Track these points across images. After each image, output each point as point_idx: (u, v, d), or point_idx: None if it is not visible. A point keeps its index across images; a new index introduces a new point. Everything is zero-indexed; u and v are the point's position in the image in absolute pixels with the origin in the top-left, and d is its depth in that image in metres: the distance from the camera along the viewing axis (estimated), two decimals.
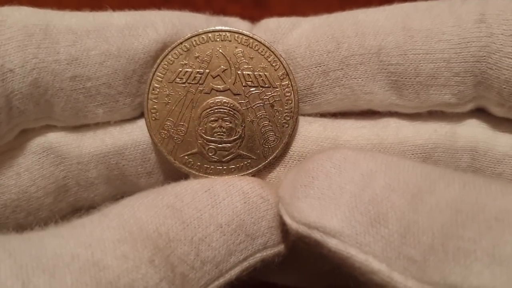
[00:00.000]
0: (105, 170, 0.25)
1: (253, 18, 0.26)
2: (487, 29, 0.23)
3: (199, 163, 0.24)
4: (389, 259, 0.18)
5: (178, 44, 0.23)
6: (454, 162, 0.25)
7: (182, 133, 0.24)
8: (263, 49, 0.24)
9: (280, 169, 0.25)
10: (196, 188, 0.22)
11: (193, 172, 0.24)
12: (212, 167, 0.24)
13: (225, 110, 0.24)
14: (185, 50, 0.24)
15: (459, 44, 0.23)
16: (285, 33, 0.24)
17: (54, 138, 0.24)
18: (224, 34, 0.24)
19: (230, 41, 0.24)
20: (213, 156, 0.24)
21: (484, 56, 0.23)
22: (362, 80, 0.24)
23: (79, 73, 0.23)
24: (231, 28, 0.24)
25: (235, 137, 0.24)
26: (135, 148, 0.25)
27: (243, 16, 0.26)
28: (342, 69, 0.24)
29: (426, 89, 0.24)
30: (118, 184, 0.25)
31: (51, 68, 0.22)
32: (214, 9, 0.27)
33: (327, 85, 0.24)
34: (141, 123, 0.25)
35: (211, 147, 0.24)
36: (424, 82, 0.24)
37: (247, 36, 0.24)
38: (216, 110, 0.24)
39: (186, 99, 0.24)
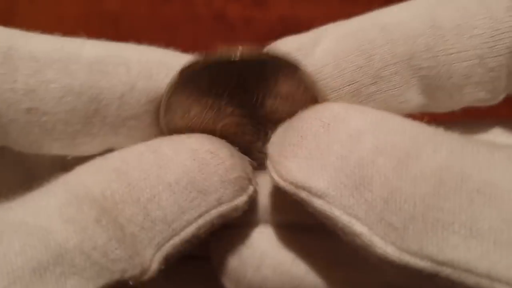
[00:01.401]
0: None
1: (253, 18, 0.25)
2: None
3: None
4: (371, 223, 0.19)
5: (201, 64, 0.21)
6: None
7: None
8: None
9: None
10: (143, 150, 0.21)
11: None
12: None
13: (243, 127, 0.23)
14: (207, 74, 0.22)
15: (492, 37, 0.21)
16: (308, 53, 0.22)
17: None
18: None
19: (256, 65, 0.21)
20: None
21: None
22: (397, 90, 0.22)
23: (35, 106, 0.21)
24: None
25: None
26: None
27: (243, 16, 0.24)
28: (375, 82, 0.22)
29: (460, 89, 0.22)
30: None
31: (5, 96, 0.20)
32: (214, 8, 0.25)
33: (360, 102, 0.22)
34: None
35: None
36: (457, 83, 0.22)
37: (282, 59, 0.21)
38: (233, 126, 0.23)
39: (204, 118, 0.23)
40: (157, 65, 0.22)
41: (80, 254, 0.18)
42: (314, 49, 0.22)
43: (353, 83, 0.22)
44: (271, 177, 0.21)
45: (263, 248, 0.24)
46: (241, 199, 0.23)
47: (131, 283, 0.19)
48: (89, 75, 0.21)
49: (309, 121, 0.21)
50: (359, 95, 0.22)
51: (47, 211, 0.18)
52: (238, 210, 0.23)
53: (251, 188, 0.23)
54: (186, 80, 0.21)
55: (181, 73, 0.21)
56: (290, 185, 0.20)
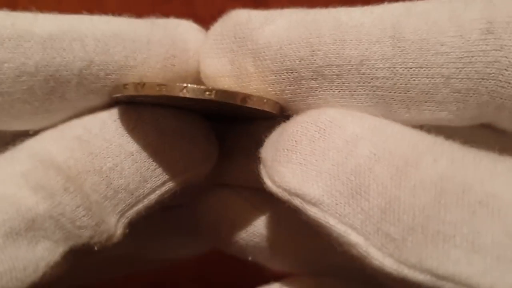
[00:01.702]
0: None
1: None
2: (495, 41, 0.19)
3: None
4: (367, 233, 0.18)
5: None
6: None
7: None
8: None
9: None
10: (105, 118, 0.21)
11: None
12: None
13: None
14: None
15: (461, 58, 0.19)
16: (255, 28, 0.21)
17: None
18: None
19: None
20: None
21: (493, 73, 0.19)
22: (340, 92, 0.20)
23: None
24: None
25: None
26: None
27: None
28: (316, 79, 0.20)
29: (419, 105, 0.20)
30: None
31: None
32: (214, 8, 0.24)
33: (300, 93, 0.21)
34: None
35: None
36: (416, 98, 0.20)
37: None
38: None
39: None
40: (113, 39, 0.21)
41: (50, 219, 0.19)
42: (263, 26, 0.21)
43: (293, 72, 0.21)
44: (264, 182, 0.20)
45: (236, 210, 0.25)
46: (206, 166, 0.23)
47: (96, 247, 0.20)
48: (44, 53, 0.20)
49: (304, 125, 0.20)
50: (299, 86, 0.21)
51: (14, 178, 0.19)
52: (203, 176, 0.23)
53: (214, 156, 0.24)
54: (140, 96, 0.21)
55: (136, 92, 0.20)
56: (283, 192, 0.19)
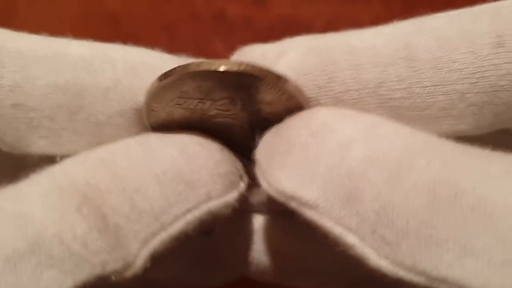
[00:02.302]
0: None
1: (253, 18, 0.24)
2: (507, 54, 0.19)
3: None
4: (363, 234, 0.18)
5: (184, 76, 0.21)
6: None
7: None
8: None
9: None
10: (131, 143, 0.21)
11: None
12: None
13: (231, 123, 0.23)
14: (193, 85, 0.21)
15: (474, 74, 0.19)
16: (271, 63, 0.21)
17: None
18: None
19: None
20: None
21: (506, 85, 0.19)
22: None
23: (22, 102, 0.21)
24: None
25: None
26: None
27: (243, 16, 0.24)
28: (336, 104, 0.21)
29: (437, 121, 0.21)
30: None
31: None
32: (214, 8, 0.25)
33: None
34: None
35: None
36: (434, 114, 0.21)
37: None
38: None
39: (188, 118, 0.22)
40: (142, 64, 0.22)
41: (59, 244, 0.17)
42: (277, 61, 0.22)
43: (313, 101, 0.21)
44: (260, 184, 0.21)
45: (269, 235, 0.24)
46: (232, 196, 0.22)
47: (113, 278, 0.18)
48: (75, 73, 0.21)
49: (296, 129, 0.20)
50: None
51: (28, 199, 0.18)
52: (228, 208, 0.22)
53: (242, 186, 0.23)
54: (167, 85, 0.21)
55: (161, 79, 0.21)
56: (279, 195, 0.20)
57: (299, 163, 0.19)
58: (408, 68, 0.20)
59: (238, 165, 0.23)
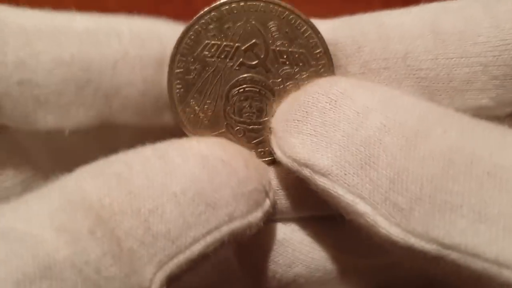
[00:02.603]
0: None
1: None
2: None
3: None
4: (375, 203, 0.18)
5: (207, 13, 0.21)
6: None
7: (210, 111, 0.22)
8: (300, 23, 0.21)
9: None
10: (148, 155, 0.19)
11: None
12: None
13: (255, 89, 0.22)
14: (215, 20, 0.21)
15: (497, 46, 0.21)
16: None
17: None
18: (258, 4, 0.21)
19: (264, 11, 0.21)
20: (241, 138, 0.23)
21: None
22: (387, 85, 0.22)
23: (27, 78, 0.20)
24: None
25: (265, 119, 0.22)
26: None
27: None
28: (363, 73, 0.22)
29: (461, 94, 0.22)
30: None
31: None
32: None
33: None
34: None
35: (239, 128, 0.22)
36: (458, 87, 0.21)
37: (284, 8, 0.21)
38: (246, 89, 0.22)
39: (213, 75, 0.22)
40: (148, 33, 0.22)
41: (71, 268, 0.16)
42: None
43: (340, 68, 0.22)
44: (274, 153, 0.21)
45: (294, 245, 0.23)
46: (256, 215, 0.20)
47: None
48: (80, 46, 0.21)
49: (315, 96, 0.20)
50: None
51: (39, 217, 0.17)
52: (252, 228, 0.20)
53: (267, 203, 0.21)
54: (194, 33, 0.21)
55: (192, 24, 0.21)
56: (293, 162, 0.20)
57: (316, 130, 0.19)
58: (435, 41, 0.21)
59: (265, 179, 0.22)
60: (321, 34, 0.21)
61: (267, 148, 0.23)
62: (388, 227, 0.18)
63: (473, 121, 0.18)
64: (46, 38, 0.21)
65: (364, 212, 0.18)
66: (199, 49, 0.22)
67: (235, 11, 0.21)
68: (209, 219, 0.19)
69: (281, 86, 0.22)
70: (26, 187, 0.23)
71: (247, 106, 0.22)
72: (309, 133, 0.20)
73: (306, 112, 0.20)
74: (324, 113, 0.20)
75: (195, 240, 0.19)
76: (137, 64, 0.22)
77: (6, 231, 0.16)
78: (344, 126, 0.19)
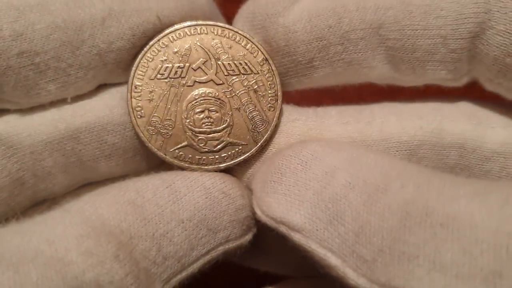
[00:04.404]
0: (61, 157, 0.24)
1: None
2: (485, 5, 0.22)
3: (190, 155, 0.25)
4: (344, 256, 0.19)
5: (156, 41, 0.24)
6: (441, 160, 0.24)
7: (170, 127, 0.24)
8: (240, 38, 0.24)
9: (261, 166, 0.25)
10: (158, 184, 0.22)
11: (186, 165, 0.25)
12: (204, 157, 0.25)
13: (210, 101, 0.24)
14: (164, 46, 0.24)
15: (456, 20, 0.23)
16: (287, 6, 0.24)
17: (4, 128, 0.24)
18: (200, 27, 0.24)
19: (206, 33, 0.24)
20: (203, 147, 0.25)
21: (479, 32, 0.22)
22: (362, 54, 0.24)
23: (26, 49, 0.22)
24: (207, 22, 0.24)
25: (224, 125, 0.25)
26: (90, 131, 0.24)
27: None
28: (342, 43, 0.24)
29: (423, 64, 0.24)
30: (77, 171, 0.25)
31: None
32: None
33: (327, 59, 0.24)
34: (94, 103, 0.25)
35: (200, 138, 0.25)
36: (420, 58, 0.24)
37: (223, 27, 0.24)
38: (201, 101, 0.24)
39: (170, 94, 0.24)
40: None
41: None
42: (293, 4, 0.24)
43: (322, 40, 0.24)
44: (255, 213, 0.22)
45: None
46: (247, 238, 0.24)
47: None
48: (69, 11, 0.23)
49: (288, 158, 0.22)
50: (326, 52, 0.24)
51: (63, 241, 0.19)
52: (242, 248, 0.24)
53: (255, 228, 0.24)
54: (146, 60, 0.24)
55: (145, 52, 0.24)
56: (271, 220, 0.21)
57: (289, 190, 0.21)
58: (404, 12, 0.23)
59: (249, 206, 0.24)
60: (260, 44, 0.24)
61: (229, 152, 0.25)
62: (356, 278, 0.19)
63: (431, 174, 0.19)
64: (36, 9, 0.22)
65: (335, 265, 0.19)
66: (154, 74, 0.24)
67: (181, 36, 0.24)
68: (209, 241, 0.22)
69: (233, 95, 0.24)
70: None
71: (204, 117, 0.24)
72: (283, 193, 0.21)
73: (281, 173, 0.22)
74: (296, 173, 0.21)
75: (197, 259, 0.22)
76: (123, 17, 0.23)
77: (34, 253, 0.18)
78: (314, 184, 0.21)
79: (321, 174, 0.21)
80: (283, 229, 0.21)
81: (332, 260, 0.19)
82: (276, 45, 0.24)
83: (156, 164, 0.26)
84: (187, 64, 0.24)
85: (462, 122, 0.24)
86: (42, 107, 0.24)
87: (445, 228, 0.17)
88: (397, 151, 0.24)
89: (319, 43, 0.24)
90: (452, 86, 0.25)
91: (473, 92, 0.25)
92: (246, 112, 0.25)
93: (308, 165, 0.21)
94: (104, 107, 0.24)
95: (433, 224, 0.18)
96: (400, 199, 0.19)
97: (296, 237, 0.20)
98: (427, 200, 0.18)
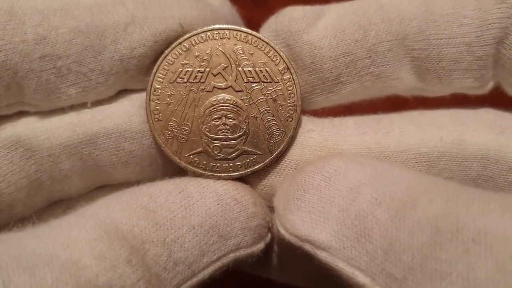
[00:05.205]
0: (78, 161, 0.24)
1: (253, 18, 0.26)
2: (508, 10, 0.22)
3: (205, 162, 0.25)
4: (373, 274, 0.19)
5: (178, 44, 0.24)
6: (463, 171, 0.24)
7: (186, 132, 0.24)
8: (263, 45, 0.24)
9: (275, 177, 0.25)
10: (170, 189, 0.22)
11: (199, 171, 0.25)
12: (218, 164, 0.25)
13: (228, 107, 0.24)
14: (185, 49, 0.24)
15: (480, 27, 0.23)
16: (311, 23, 0.24)
17: (23, 130, 0.24)
18: (223, 32, 0.24)
19: (229, 38, 0.24)
20: (218, 154, 0.24)
21: (502, 37, 0.22)
22: (390, 66, 0.24)
23: (48, 52, 0.22)
24: (230, 26, 0.24)
25: (240, 133, 0.24)
26: (108, 137, 0.24)
27: (243, 16, 0.26)
28: (370, 57, 0.24)
29: (449, 73, 0.24)
30: (93, 175, 0.25)
31: (18, 49, 0.22)
32: None
33: (355, 74, 0.24)
34: (113, 109, 0.25)
35: (216, 145, 0.24)
36: (447, 67, 0.23)
37: (246, 33, 0.24)
38: (219, 108, 0.24)
39: (188, 99, 0.24)
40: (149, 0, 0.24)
41: None
42: (316, 21, 0.24)
43: (349, 55, 0.24)
44: (278, 231, 0.22)
45: None
46: (258, 247, 0.24)
47: None
48: (92, 16, 0.23)
49: (310, 175, 0.21)
50: (354, 67, 0.24)
51: (78, 245, 0.19)
52: (254, 257, 0.24)
53: (269, 236, 0.24)
54: (167, 63, 0.24)
55: (166, 55, 0.24)
56: (295, 239, 0.21)
57: (313, 207, 0.21)
58: (427, 21, 0.23)
59: (269, 216, 0.24)
60: (283, 52, 0.24)
61: (244, 161, 0.25)
62: None
63: (459, 188, 0.19)
64: (60, 13, 0.23)
65: (364, 283, 0.19)
66: (173, 77, 0.24)
67: (202, 40, 0.24)
68: (220, 248, 0.22)
69: (251, 103, 0.24)
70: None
71: (221, 124, 0.24)
72: (307, 210, 0.21)
73: (304, 190, 0.21)
74: (320, 190, 0.21)
75: (207, 266, 0.22)
76: (145, 24, 0.23)
77: (49, 257, 0.18)
78: (338, 201, 0.20)
79: (345, 190, 0.20)
80: (308, 247, 0.21)
81: (361, 278, 0.19)
82: (302, 63, 0.24)
83: (172, 172, 0.26)
84: (207, 69, 0.24)
85: (484, 131, 0.24)
86: (61, 110, 0.24)
87: (477, 244, 0.17)
88: (416, 162, 0.24)
89: (346, 58, 0.24)
90: (478, 94, 0.25)
91: (491, 99, 0.25)
92: (264, 121, 0.24)
93: (331, 181, 0.21)
94: (123, 114, 0.24)
95: (464, 240, 0.17)
96: (429, 215, 0.18)
97: (322, 255, 0.20)
98: (457, 215, 0.18)
